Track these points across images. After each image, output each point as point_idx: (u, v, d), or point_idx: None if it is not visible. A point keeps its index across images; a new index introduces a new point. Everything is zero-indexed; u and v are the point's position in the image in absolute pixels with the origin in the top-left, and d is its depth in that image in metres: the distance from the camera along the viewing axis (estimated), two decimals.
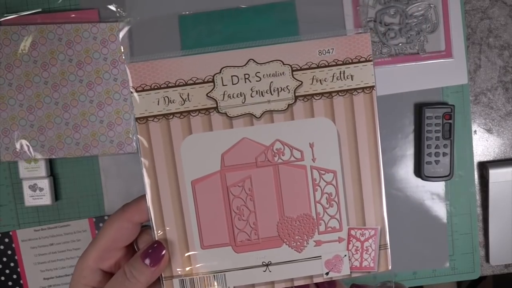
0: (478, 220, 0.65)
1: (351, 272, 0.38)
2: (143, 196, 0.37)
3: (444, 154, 0.62)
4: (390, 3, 0.61)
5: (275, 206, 0.38)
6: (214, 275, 0.38)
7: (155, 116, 0.37)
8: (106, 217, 0.65)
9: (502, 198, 0.63)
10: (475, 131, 0.65)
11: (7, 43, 0.61)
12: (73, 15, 0.62)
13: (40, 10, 0.62)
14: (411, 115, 0.64)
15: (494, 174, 0.62)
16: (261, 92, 0.37)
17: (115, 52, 0.61)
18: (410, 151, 0.64)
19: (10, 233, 0.65)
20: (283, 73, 0.37)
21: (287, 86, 0.37)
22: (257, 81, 0.37)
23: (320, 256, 0.38)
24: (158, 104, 0.37)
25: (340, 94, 0.37)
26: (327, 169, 0.38)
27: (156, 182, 0.37)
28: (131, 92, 0.37)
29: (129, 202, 0.38)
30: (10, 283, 0.66)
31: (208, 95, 0.37)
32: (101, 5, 0.62)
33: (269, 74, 0.37)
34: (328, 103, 0.37)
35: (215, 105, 0.37)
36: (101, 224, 0.65)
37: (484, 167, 0.64)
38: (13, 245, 0.65)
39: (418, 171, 0.64)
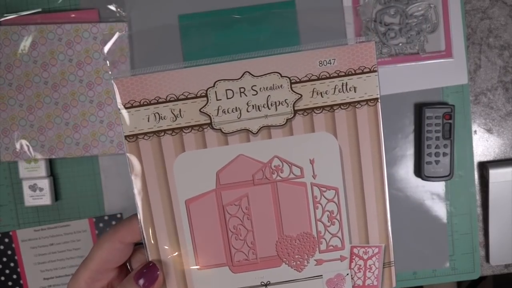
0: (478, 220, 0.65)
1: None
2: (135, 215, 0.36)
3: (444, 154, 0.62)
4: (390, 3, 0.61)
5: (274, 225, 0.36)
6: None
7: (145, 134, 0.35)
8: (106, 217, 0.65)
9: (502, 198, 0.63)
10: (475, 131, 0.65)
11: (7, 43, 0.61)
12: (73, 15, 0.62)
13: (40, 10, 0.62)
14: (411, 115, 0.64)
15: (494, 174, 0.62)
16: (258, 106, 0.35)
17: (115, 52, 0.62)
18: (410, 151, 0.64)
19: (10, 233, 0.65)
20: (281, 86, 0.35)
21: (285, 100, 0.35)
22: (253, 95, 0.35)
23: (321, 275, 0.37)
24: (148, 121, 0.35)
25: (342, 107, 0.35)
26: (328, 186, 0.36)
27: (149, 202, 0.36)
28: (119, 109, 0.35)
29: (121, 222, 0.36)
30: (10, 283, 0.66)
31: (201, 110, 0.35)
32: (101, 5, 0.62)
33: (266, 87, 0.35)
34: (329, 117, 0.35)
35: (209, 121, 0.35)
36: (101, 224, 0.65)
37: (484, 167, 0.64)
38: (13, 245, 0.65)
39: (418, 171, 0.64)
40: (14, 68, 0.61)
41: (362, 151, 0.36)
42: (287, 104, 0.35)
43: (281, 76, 0.35)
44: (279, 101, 0.35)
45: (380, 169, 0.36)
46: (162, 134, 0.35)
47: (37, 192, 0.63)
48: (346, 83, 0.35)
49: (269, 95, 0.35)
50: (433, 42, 0.62)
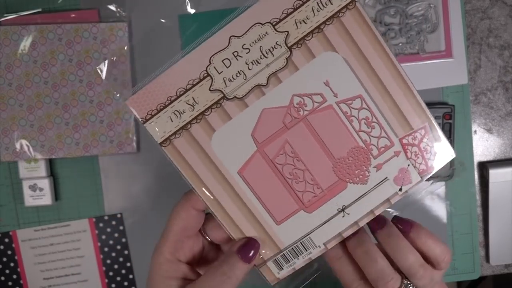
0: (478, 220, 0.65)
1: (421, 177, 0.39)
2: None
3: None
4: (390, 3, 0.61)
5: (323, 154, 0.38)
6: (301, 242, 0.39)
7: (175, 133, 0.37)
8: (106, 217, 0.65)
9: (502, 198, 0.63)
10: (475, 131, 0.65)
11: (7, 43, 0.61)
12: (73, 15, 0.62)
13: (40, 10, 0.62)
14: None
15: (494, 174, 0.62)
16: (256, 60, 0.37)
17: (115, 52, 0.62)
18: None
19: (10, 233, 0.65)
20: (266, 33, 0.36)
21: (276, 42, 0.36)
22: (247, 53, 0.36)
23: (386, 177, 0.39)
24: (172, 121, 0.37)
25: (327, 23, 0.36)
26: (351, 97, 0.37)
27: (208, 189, 0.38)
28: (143, 124, 0.37)
29: (190, 191, 0.39)
30: (10, 283, 0.66)
31: (211, 89, 0.37)
32: (101, 5, 0.62)
33: (255, 41, 0.36)
34: (321, 37, 0.36)
35: (222, 95, 0.37)
36: (101, 224, 0.65)
37: (484, 167, 0.64)
38: (13, 245, 0.65)
39: None
40: (14, 68, 0.61)
41: (365, 52, 0.37)
42: (280, 46, 0.37)
43: (262, 24, 0.36)
44: (271, 47, 0.37)
45: (389, 59, 0.37)
46: (189, 126, 0.37)
47: (37, 192, 0.63)
48: (320, 0, 0.36)
49: (260, 46, 0.36)
50: (433, 42, 0.62)
